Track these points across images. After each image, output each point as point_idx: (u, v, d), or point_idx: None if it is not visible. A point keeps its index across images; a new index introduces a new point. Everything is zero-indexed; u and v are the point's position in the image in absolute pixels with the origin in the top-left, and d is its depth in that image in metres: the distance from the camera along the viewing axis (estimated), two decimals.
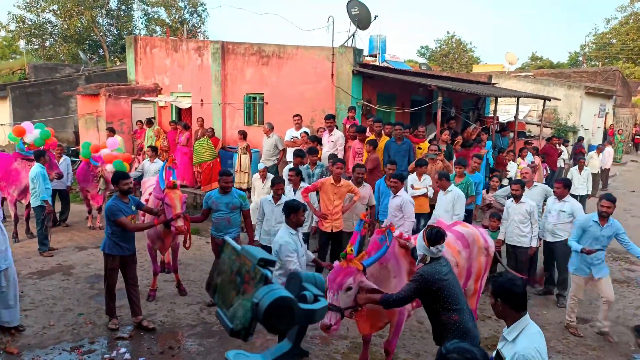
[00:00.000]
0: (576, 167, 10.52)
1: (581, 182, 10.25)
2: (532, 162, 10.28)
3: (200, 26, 33.31)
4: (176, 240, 6.45)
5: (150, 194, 6.40)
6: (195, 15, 33.40)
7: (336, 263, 3.97)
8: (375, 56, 13.40)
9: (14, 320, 5.30)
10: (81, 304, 6.15)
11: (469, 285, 4.90)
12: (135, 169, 9.57)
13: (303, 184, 6.81)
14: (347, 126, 9.28)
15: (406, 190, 7.14)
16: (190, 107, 12.95)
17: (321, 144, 8.87)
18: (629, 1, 38.70)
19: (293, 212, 4.74)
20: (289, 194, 6.36)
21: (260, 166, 8.01)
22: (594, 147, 14.60)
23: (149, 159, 9.28)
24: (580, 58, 40.99)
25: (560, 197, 6.58)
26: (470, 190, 7.32)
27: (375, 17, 11.41)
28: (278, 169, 9.63)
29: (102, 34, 30.13)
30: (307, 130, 9.56)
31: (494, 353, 2.82)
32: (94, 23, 29.05)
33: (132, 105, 13.46)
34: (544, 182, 10.40)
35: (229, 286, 0.91)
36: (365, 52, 11.98)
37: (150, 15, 32.62)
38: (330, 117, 8.92)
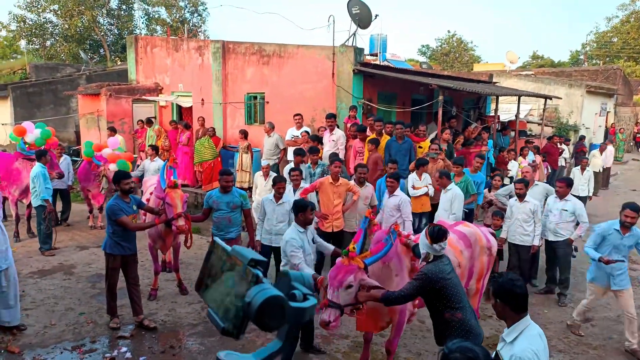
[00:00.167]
0: (578, 167, 10.47)
1: (583, 182, 10.17)
2: (533, 161, 10.27)
3: (200, 26, 33.32)
4: (177, 240, 6.46)
5: (151, 194, 6.41)
6: (195, 15, 33.39)
7: (338, 260, 3.97)
8: (376, 55, 13.38)
9: (14, 320, 5.30)
10: (82, 303, 6.16)
11: (470, 284, 4.90)
12: (137, 166, 9.60)
13: (303, 184, 6.81)
14: (349, 125, 9.28)
15: (404, 191, 7.13)
16: (191, 107, 12.96)
17: (322, 143, 8.86)
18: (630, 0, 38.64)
19: (301, 211, 4.75)
20: (289, 193, 6.36)
21: (264, 163, 8.02)
22: (596, 146, 14.58)
23: (149, 157, 9.30)
24: (582, 57, 40.93)
25: (562, 196, 6.58)
26: (470, 189, 7.31)
27: (376, 16, 11.40)
28: (279, 168, 9.63)
29: (102, 33, 30.14)
30: (308, 129, 9.56)
31: (494, 354, 2.81)
32: (94, 23, 29.06)
33: (133, 105, 13.46)
34: (545, 181, 10.39)
35: (220, 286, 0.93)
36: (366, 51, 11.97)
37: (151, 15, 32.63)
38: (331, 116, 8.92)
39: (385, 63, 12.96)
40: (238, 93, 11.85)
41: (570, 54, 45.09)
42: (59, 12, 28.39)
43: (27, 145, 9.04)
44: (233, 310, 0.87)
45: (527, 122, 16.62)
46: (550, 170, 11.69)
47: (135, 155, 11.28)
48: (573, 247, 6.92)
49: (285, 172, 7.71)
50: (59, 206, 9.63)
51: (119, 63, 23.95)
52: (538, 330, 2.74)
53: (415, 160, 7.78)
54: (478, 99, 14.00)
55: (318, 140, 8.92)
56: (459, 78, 13.97)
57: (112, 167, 8.80)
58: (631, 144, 25.01)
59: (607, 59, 37.88)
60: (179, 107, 13.74)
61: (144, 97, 13.45)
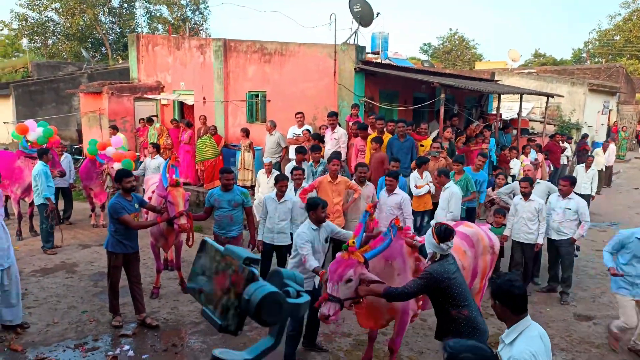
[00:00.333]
0: (583, 165, 10.42)
1: (586, 180, 10.13)
2: (535, 159, 10.24)
3: (202, 24, 33.28)
4: (179, 238, 6.47)
5: (153, 192, 6.41)
6: (197, 13, 33.37)
7: (338, 254, 3.97)
8: (378, 53, 13.38)
9: (17, 319, 5.31)
10: (85, 302, 6.17)
11: (474, 284, 4.89)
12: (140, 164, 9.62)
13: (304, 183, 6.80)
14: (350, 123, 9.27)
15: (405, 189, 7.12)
16: (192, 105, 12.96)
17: (323, 142, 8.86)
18: None
19: (312, 210, 4.75)
20: (290, 192, 6.36)
21: (266, 160, 8.02)
22: (599, 144, 14.54)
23: (149, 155, 9.32)
24: (584, 55, 40.82)
25: (565, 194, 6.56)
26: (470, 187, 7.29)
27: (378, 14, 11.38)
28: (281, 167, 9.63)
29: (104, 32, 30.14)
30: (310, 127, 9.56)
31: None
32: (96, 21, 29.06)
33: (135, 103, 13.46)
34: (547, 179, 10.36)
35: (216, 288, 0.94)
36: (368, 50, 11.96)
37: (153, 13, 32.61)
38: (333, 115, 8.91)
39: (387, 61, 12.95)
40: (240, 91, 11.85)
41: (573, 52, 45.02)
42: (60, 10, 28.40)
43: (29, 144, 9.05)
44: (231, 308, 0.90)
45: (529, 120, 16.58)
46: (552, 169, 11.67)
47: (137, 154, 11.29)
48: (575, 246, 6.91)
49: (287, 170, 7.71)
50: (61, 205, 9.64)
51: (120, 61, 23.95)
52: (539, 331, 2.69)
53: (416, 159, 7.76)
54: (480, 97, 13.97)
55: (319, 138, 8.91)
56: (461, 76, 13.94)
57: (117, 166, 8.82)
58: (634, 142, 24.93)
59: (610, 57, 37.78)
60: (181, 106, 13.74)
61: (145, 95, 13.44)
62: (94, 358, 4.87)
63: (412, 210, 7.43)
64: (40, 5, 28.48)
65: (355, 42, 10.79)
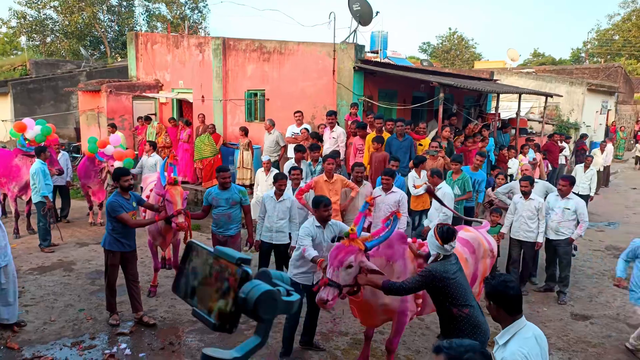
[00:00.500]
0: (581, 165, 10.41)
1: (584, 181, 10.12)
2: (534, 159, 10.25)
3: (201, 22, 33.23)
4: (177, 237, 6.46)
5: (151, 190, 6.40)
6: (196, 12, 33.32)
7: (339, 242, 3.99)
8: (377, 52, 13.37)
9: (13, 318, 5.30)
10: (82, 300, 6.17)
11: (474, 287, 4.89)
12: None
13: (302, 182, 6.80)
14: (349, 123, 9.27)
15: (404, 188, 7.11)
16: (191, 103, 12.95)
17: (322, 141, 8.85)
18: None
19: (314, 208, 4.78)
20: (288, 191, 6.35)
21: (264, 158, 8.01)
22: (596, 145, 14.55)
23: (146, 153, 9.32)
24: (583, 54, 40.85)
25: (564, 194, 6.56)
26: (467, 187, 7.30)
27: (377, 13, 11.38)
28: (279, 165, 9.63)
29: (103, 30, 30.08)
30: (308, 126, 9.55)
31: None
32: (95, 19, 29.00)
33: (133, 102, 13.45)
34: (546, 178, 10.37)
35: (210, 289, 0.96)
36: (367, 49, 11.95)
37: (152, 12, 32.55)
38: (332, 114, 8.90)
39: (386, 60, 12.95)
40: (238, 90, 11.84)
41: (572, 51, 45.07)
42: (59, 8, 28.33)
43: (27, 142, 9.04)
44: (226, 307, 0.93)
45: (528, 119, 16.60)
46: (550, 168, 11.68)
47: (136, 152, 11.27)
48: (573, 245, 6.92)
49: (285, 169, 7.70)
50: (58, 203, 9.63)
51: (119, 60, 23.91)
52: (534, 332, 2.66)
53: (414, 159, 7.76)
54: (479, 97, 13.98)
55: (318, 137, 8.90)
56: (460, 75, 13.94)
57: (118, 164, 8.80)
58: (632, 142, 24.96)
59: (608, 56, 37.81)
60: (180, 104, 13.72)
61: (144, 93, 13.43)
62: (91, 356, 4.86)
63: (410, 209, 7.45)
64: (39, 3, 28.41)
65: (355, 41, 10.78)
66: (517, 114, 12.81)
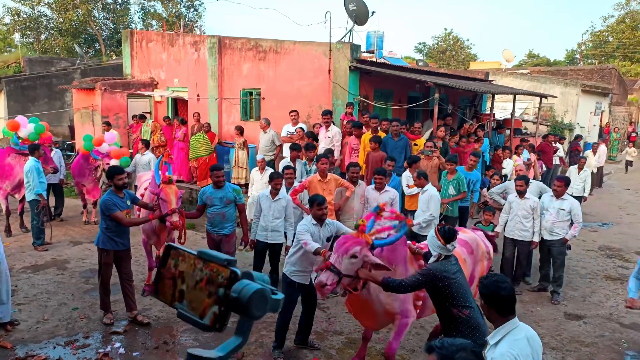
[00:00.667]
0: (575, 166, 10.45)
1: (578, 182, 10.15)
2: (528, 159, 10.30)
3: (197, 20, 33.14)
4: (171, 235, 6.43)
5: (145, 189, 6.38)
6: (192, 10, 33.23)
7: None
8: (373, 52, 13.40)
9: (6, 317, 5.26)
10: (76, 299, 6.13)
11: (471, 289, 4.90)
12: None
13: (296, 183, 6.79)
14: (345, 122, 9.27)
15: (399, 188, 7.12)
16: (186, 102, 12.91)
17: (317, 140, 8.84)
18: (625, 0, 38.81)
19: (310, 206, 4.83)
20: (283, 190, 6.33)
21: (259, 157, 8.00)
22: (589, 146, 14.63)
23: (139, 151, 9.29)
24: (577, 56, 41.09)
25: (559, 195, 6.59)
26: (462, 187, 7.32)
27: (373, 12, 11.39)
28: (275, 165, 9.62)
29: (98, 27, 29.92)
30: (304, 126, 9.54)
31: None
32: (89, 16, 28.84)
33: (128, 100, 13.39)
34: (540, 179, 10.42)
35: (202, 294, 0.98)
36: (363, 48, 11.96)
37: (147, 9, 32.43)
38: (327, 113, 8.90)
39: (382, 60, 12.97)
40: (234, 89, 11.81)
41: (566, 53, 45.30)
42: (53, 5, 28.16)
43: (20, 140, 8.97)
44: (216, 307, 0.96)
45: (523, 120, 16.67)
46: (544, 169, 11.75)
47: (130, 151, 11.23)
48: (567, 244, 6.96)
49: (280, 168, 7.70)
50: (52, 201, 9.57)
51: (114, 57, 23.81)
52: (527, 334, 2.64)
53: (407, 158, 7.77)
54: (474, 97, 14.03)
55: (314, 137, 8.90)
56: (455, 76, 13.99)
57: (114, 163, 8.76)
58: (625, 143, 25.14)
59: (603, 58, 38.04)
60: (175, 103, 13.68)
61: (139, 92, 13.37)
62: (85, 355, 4.84)
63: (405, 209, 7.46)
64: (33, 0, 28.23)
65: (350, 41, 10.79)
66: (512, 114, 12.88)
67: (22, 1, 28.00)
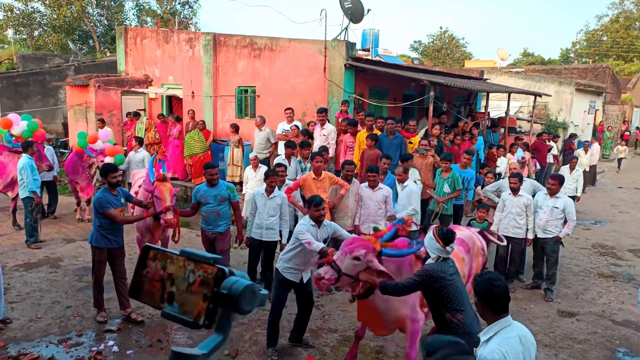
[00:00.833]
0: (567, 166, 10.48)
1: (571, 182, 10.18)
2: (523, 158, 10.34)
3: (191, 17, 32.98)
4: (166, 233, 6.41)
5: (140, 186, 6.35)
6: (186, 7, 33.06)
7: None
8: (368, 50, 13.37)
9: None
10: (69, 297, 6.10)
11: (467, 287, 4.91)
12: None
13: (288, 181, 6.78)
14: (340, 120, 9.27)
15: (393, 186, 7.13)
16: (181, 99, 12.85)
17: (313, 138, 8.84)
18: None
19: (307, 207, 4.84)
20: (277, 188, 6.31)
21: (252, 155, 7.98)
22: (582, 145, 14.71)
23: (133, 149, 9.26)
24: (572, 55, 41.28)
25: (553, 193, 6.62)
26: (457, 185, 7.35)
27: (368, 10, 11.38)
28: (270, 163, 9.60)
29: (92, 24, 29.72)
30: (299, 123, 9.53)
31: None
32: (83, 13, 28.63)
33: (122, 97, 13.30)
34: (534, 177, 10.46)
35: (194, 297, 0.98)
36: (358, 46, 11.94)
37: (141, 6, 32.24)
38: (323, 111, 8.89)
39: (377, 58, 12.96)
40: (229, 86, 11.77)
41: (561, 51, 45.52)
42: (47, 1, 27.93)
43: (13, 138, 8.90)
44: (204, 305, 0.97)
45: (517, 119, 16.73)
46: (538, 167, 11.80)
47: (124, 148, 11.17)
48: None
49: (273, 164, 7.68)
50: (45, 199, 9.51)
51: (108, 54, 23.65)
52: (519, 333, 2.63)
53: (400, 157, 7.77)
54: (469, 96, 14.05)
55: (309, 134, 8.89)
56: (450, 74, 14.01)
57: (109, 160, 8.71)
58: (618, 141, 25.31)
59: (597, 57, 38.25)
60: (169, 100, 13.61)
61: (133, 89, 13.29)
62: (78, 354, 4.82)
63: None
64: None
65: (346, 39, 10.77)
66: (507, 113, 12.91)
67: None
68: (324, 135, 8.80)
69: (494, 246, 7.12)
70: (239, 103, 11.75)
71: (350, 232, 5.81)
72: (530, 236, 6.75)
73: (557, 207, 6.57)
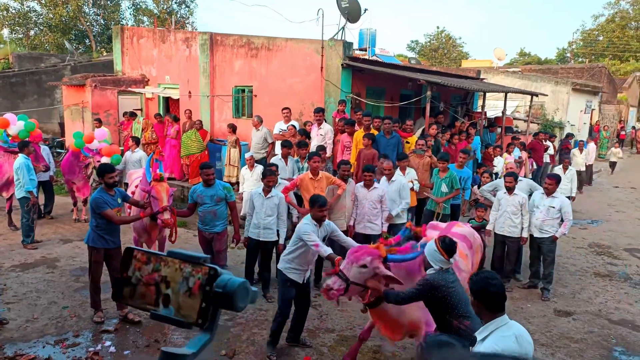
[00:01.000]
0: (560, 166, 10.49)
1: (565, 182, 10.19)
2: (519, 157, 10.36)
3: (188, 17, 32.92)
4: (163, 233, 6.40)
5: (136, 187, 6.33)
6: (183, 6, 32.99)
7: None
8: (365, 50, 13.38)
9: None
10: (66, 297, 6.08)
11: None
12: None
13: (282, 181, 6.78)
14: (337, 120, 9.27)
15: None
16: (178, 99, 12.83)
17: (310, 138, 8.84)
18: None
19: (310, 207, 4.81)
20: (275, 188, 6.31)
21: (247, 155, 7.98)
22: (577, 144, 14.76)
23: (130, 149, 9.23)
24: (568, 54, 41.41)
25: (550, 193, 6.64)
26: (455, 184, 7.37)
27: (365, 10, 11.39)
28: (267, 162, 9.59)
29: (88, 23, 29.62)
30: (296, 123, 9.53)
31: None
32: (80, 12, 28.53)
33: (119, 97, 13.27)
34: (531, 177, 10.49)
35: (192, 300, 0.98)
36: (355, 46, 11.95)
37: (138, 6, 32.15)
38: (320, 111, 8.89)
39: (374, 58, 12.97)
40: (226, 86, 11.76)
41: (557, 51, 45.67)
42: (43, 0, 27.82)
43: (10, 138, 8.86)
44: (197, 305, 0.97)
45: (514, 118, 16.77)
46: (535, 167, 11.84)
47: (121, 148, 11.14)
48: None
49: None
50: (42, 199, 9.47)
51: (104, 54, 23.59)
52: (515, 332, 2.63)
53: (396, 157, 7.78)
54: (465, 95, 14.08)
55: (306, 134, 8.89)
56: (447, 74, 14.03)
57: (105, 160, 8.68)
58: (615, 141, 25.40)
59: (593, 57, 38.38)
60: (166, 100, 13.58)
61: (129, 88, 13.26)
62: (75, 354, 4.80)
63: None
64: None
65: (343, 38, 10.77)
66: (503, 112, 12.95)
67: None
68: (321, 135, 8.80)
69: (490, 245, 7.16)
70: (236, 103, 11.74)
71: (345, 232, 5.82)
72: (526, 235, 6.77)
73: (554, 207, 6.59)
